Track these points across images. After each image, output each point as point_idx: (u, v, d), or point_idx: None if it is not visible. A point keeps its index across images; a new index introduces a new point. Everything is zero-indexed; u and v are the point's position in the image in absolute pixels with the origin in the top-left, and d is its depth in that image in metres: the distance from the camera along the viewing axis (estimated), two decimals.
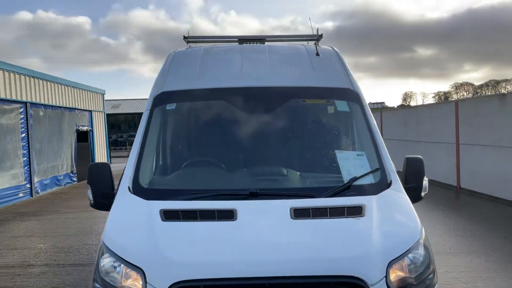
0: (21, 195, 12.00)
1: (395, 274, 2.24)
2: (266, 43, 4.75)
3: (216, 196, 2.70)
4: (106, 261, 2.35)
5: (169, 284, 2.09)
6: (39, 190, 12.99)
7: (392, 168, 3.06)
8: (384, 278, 2.18)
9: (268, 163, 3.26)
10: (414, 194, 3.16)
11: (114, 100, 55.62)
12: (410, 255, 2.34)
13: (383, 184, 2.89)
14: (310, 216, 2.47)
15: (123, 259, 2.28)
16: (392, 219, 2.57)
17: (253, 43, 5.00)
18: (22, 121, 12.29)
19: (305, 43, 5.15)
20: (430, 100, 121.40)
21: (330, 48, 4.34)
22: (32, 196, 12.51)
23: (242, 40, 5.10)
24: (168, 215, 2.50)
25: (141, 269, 2.19)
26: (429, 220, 7.90)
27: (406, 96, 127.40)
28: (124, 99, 58.09)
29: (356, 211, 2.52)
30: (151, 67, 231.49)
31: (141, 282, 2.16)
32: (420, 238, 2.46)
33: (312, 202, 2.62)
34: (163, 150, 3.63)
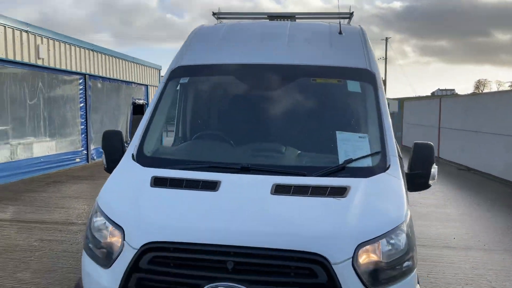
0: (77, 160, 12.96)
1: (365, 257, 2.18)
2: (294, 21, 4.65)
3: (209, 168, 2.77)
4: (97, 220, 2.51)
5: (142, 243, 2.20)
6: (94, 157, 13.93)
7: (394, 153, 2.93)
8: (351, 259, 2.13)
9: (268, 140, 3.26)
10: (421, 181, 3.03)
11: None
12: (386, 240, 2.25)
13: (379, 168, 2.78)
14: (289, 193, 2.45)
15: (109, 218, 2.43)
16: (375, 203, 2.47)
17: (282, 20, 4.93)
18: (81, 91, 13.15)
19: (336, 21, 5.00)
20: (505, 89, 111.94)
21: (357, 27, 4.17)
22: (88, 162, 13.46)
23: (272, 17, 5.03)
24: (157, 182, 2.61)
25: (122, 228, 2.32)
26: (476, 215, 7.46)
27: (479, 84, 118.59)
28: None
29: (339, 192, 2.46)
30: None
31: (120, 240, 2.30)
32: (402, 223, 2.35)
33: (297, 180, 2.59)
34: (171, 122, 3.74)
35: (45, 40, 11.30)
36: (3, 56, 9.68)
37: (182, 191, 2.51)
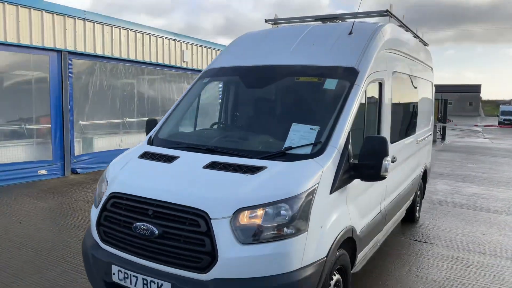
0: None
1: (246, 219, 2.71)
2: (314, 24, 5.05)
3: (186, 148, 3.63)
4: (101, 177, 3.63)
5: (110, 192, 3.21)
6: None
7: (335, 144, 3.24)
8: (229, 218, 2.70)
9: (244, 129, 3.92)
10: (370, 172, 3.28)
11: None
12: (269, 208, 2.73)
13: (310, 156, 3.17)
14: (215, 168, 3.12)
15: (106, 176, 3.53)
16: (274, 180, 2.91)
17: (328, 21, 5.34)
18: (220, 90, 15.22)
19: (374, 19, 5.16)
20: None
21: (375, 26, 4.36)
22: None
23: (318, 19, 5.48)
24: (142, 155, 3.60)
25: (108, 183, 3.40)
26: None
27: None
28: None
29: (252, 170, 3.00)
30: None
31: (106, 190, 3.37)
32: (294, 197, 2.77)
33: (234, 159, 3.22)
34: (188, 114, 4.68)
35: (189, 46, 13.60)
36: (155, 61, 12.19)
37: (151, 162, 3.44)
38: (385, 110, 4.27)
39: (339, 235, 3.15)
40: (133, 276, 2.93)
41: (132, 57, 11.40)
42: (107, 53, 10.68)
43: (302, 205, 2.82)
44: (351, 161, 3.33)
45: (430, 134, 7.17)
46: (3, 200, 7.39)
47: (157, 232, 2.85)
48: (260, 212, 2.75)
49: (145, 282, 2.87)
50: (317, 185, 2.96)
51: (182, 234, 2.79)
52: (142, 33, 11.72)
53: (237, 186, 2.91)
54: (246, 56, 4.50)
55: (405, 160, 5.18)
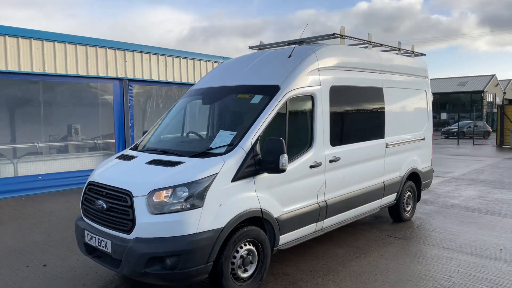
0: None
1: (157, 197, 3.85)
2: (270, 49, 6.06)
3: (145, 150, 4.93)
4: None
5: (88, 181, 4.62)
6: None
7: (243, 146, 4.25)
8: (145, 196, 3.85)
9: (191, 136, 5.17)
10: (271, 166, 4.24)
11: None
12: (174, 189, 3.82)
13: (221, 154, 4.23)
14: (152, 164, 4.34)
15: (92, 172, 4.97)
16: (184, 170, 4.02)
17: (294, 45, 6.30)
18: None
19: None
20: None
21: (311, 51, 5.26)
22: None
23: (291, 43, 6.44)
24: (118, 156, 4.95)
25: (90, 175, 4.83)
26: None
27: None
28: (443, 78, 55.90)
29: (173, 164, 4.16)
30: (487, 40, 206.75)
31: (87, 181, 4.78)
32: (191, 182, 3.83)
33: (168, 157, 4.41)
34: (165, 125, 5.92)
35: None
36: None
37: (119, 160, 4.78)
38: (319, 118, 5.11)
39: (241, 213, 4.14)
40: (93, 237, 4.27)
41: (184, 80, 13.24)
42: (162, 78, 12.63)
43: (198, 188, 3.90)
44: (258, 158, 4.31)
45: (423, 139, 7.52)
46: (72, 198, 9.43)
47: (105, 206, 4.16)
48: (166, 192, 3.90)
49: (99, 240, 4.18)
50: (215, 174, 4.02)
51: (118, 207, 4.06)
52: (193, 60, 13.54)
53: (156, 175, 4.11)
54: (213, 79, 5.71)
55: (361, 161, 5.84)
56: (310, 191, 5.04)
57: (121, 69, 11.63)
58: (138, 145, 5.37)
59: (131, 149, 5.31)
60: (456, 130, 31.27)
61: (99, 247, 4.19)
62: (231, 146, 4.33)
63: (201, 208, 3.89)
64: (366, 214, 6.19)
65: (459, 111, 45.28)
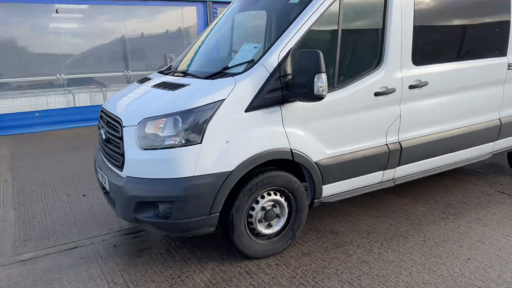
0: None
1: (147, 128, 2.99)
2: None
3: (166, 72, 4.07)
4: None
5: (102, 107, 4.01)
6: None
7: (265, 62, 3.11)
8: (136, 126, 3.04)
9: (216, 54, 4.20)
10: (302, 91, 3.05)
11: None
12: (167, 119, 2.96)
13: (237, 73, 3.15)
14: (157, 87, 3.45)
15: None
16: (183, 95, 3.07)
17: None
18: None
19: None
20: None
21: None
22: None
23: None
24: (140, 80, 4.17)
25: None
26: None
27: None
28: None
29: (175, 87, 3.23)
30: None
31: None
32: (186, 111, 2.93)
33: (178, 80, 3.49)
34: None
35: None
36: None
37: (136, 84, 4.00)
38: (395, 21, 3.58)
39: (260, 154, 3.10)
40: (98, 172, 3.70)
41: None
42: None
43: (196, 118, 2.94)
44: (288, 79, 3.12)
45: None
46: None
47: (104, 137, 3.49)
48: (158, 122, 3.03)
49: (101, 175, 3.60)
50: (220, 101, 2.99)
51: (113, 138, 3.36)
52: None
53: (152, 100, 3.25)
54: None
55: (463, 88, 4.16)
56: (374, 128, 3.69)
57: None
58: (172, 67, 4.54)
59: (160, 72, 4.52)
60: None
61: (102, 182, 3.63)
62: (250, 64, 3.20)
63: (199, 145, 2.96)
64: (468, 162, 4.57)
65: None
